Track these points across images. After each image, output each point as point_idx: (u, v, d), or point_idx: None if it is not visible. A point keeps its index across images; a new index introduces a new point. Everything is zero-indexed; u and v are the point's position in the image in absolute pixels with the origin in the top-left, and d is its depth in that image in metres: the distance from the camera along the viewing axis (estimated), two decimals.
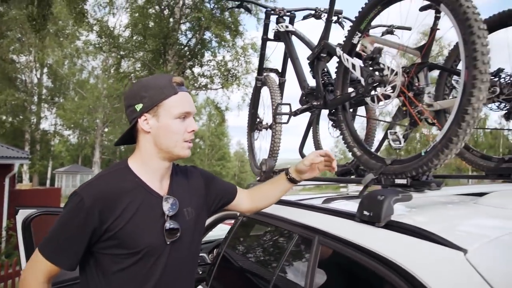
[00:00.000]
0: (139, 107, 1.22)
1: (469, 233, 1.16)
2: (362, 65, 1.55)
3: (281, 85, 2.69)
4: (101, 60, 23.42)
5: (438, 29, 2.05)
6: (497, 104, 1.75)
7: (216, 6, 12.76)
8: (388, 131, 1.64)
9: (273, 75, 2.72)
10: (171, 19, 12.88)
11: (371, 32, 2.05)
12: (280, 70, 2.71)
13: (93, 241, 1.17)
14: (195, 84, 14.50)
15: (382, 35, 2.13)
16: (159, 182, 1.28)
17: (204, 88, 15.12)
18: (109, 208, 1.17)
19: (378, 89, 1.49)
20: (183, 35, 13.49)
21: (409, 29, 2.20)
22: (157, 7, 12.99)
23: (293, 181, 1.47)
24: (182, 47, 13.34)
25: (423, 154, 1.35)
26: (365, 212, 1.26)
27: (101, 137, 25.63)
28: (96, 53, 17.94)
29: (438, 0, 1.30)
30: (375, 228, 1.21)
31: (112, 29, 12.97)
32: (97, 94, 22.90)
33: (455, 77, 2.10)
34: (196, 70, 14.38)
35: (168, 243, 1.23)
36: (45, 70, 25.24)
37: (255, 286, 1.80)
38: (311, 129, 2.73)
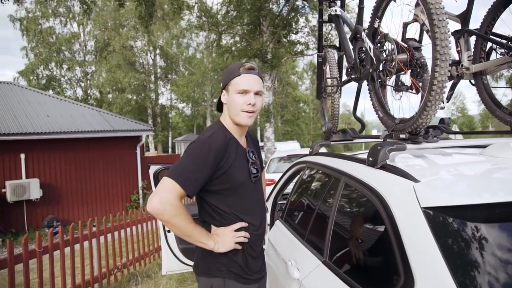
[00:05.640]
0: (221, 85, 1.77)
1: (429, 170, 1.63)
2: (373, 47, 2.00)
3: (340, 59, 3.15)
4: (204, 37, 25.19)
5: None
6: None
7: None
8: None
9: (332, 51, 3.19)
10: None
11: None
12: (338, 46, 3.17)
13: (209, 179, 1.61)
14: (291, 52, 14.93)
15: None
16: (241, 139, 1.78)
17: (300, 55, 15.51)
18: (222, 154, 1.62)
19: (387, 65, 1.94)
20: (275, 5, 13.91)
21: None
22: None
23: None
24: (275, 16, 13.80)
25: (414, 115, 1.80)
26: (370, 158, 1.79)
27: (210, 107, 27.96)
28: (197, 32, 19.45)
29: None
30: (374, 169, 1.74)
31: (210, 8, 13.99)
32: (204, 68, 24.89)
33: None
34: (292, 37, 14.82)
35: (252, 181, 1.77)
36: (158, 51, 28.10)
37: (309, 213, 2.43)
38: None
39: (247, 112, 1.68)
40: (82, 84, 30.21)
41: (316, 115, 41.63)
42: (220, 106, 1.83)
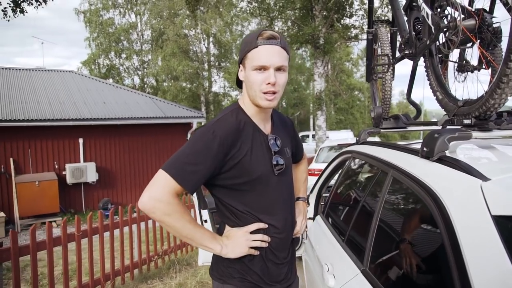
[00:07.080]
0: (238, 59, 1.45)
1: (502, 165, 1.26)
2: (431, 13, 1.63)
3: (393, 35, 2.76)
4: (256, 24, 24.91)
5: None
6: None
7: None
8: None
9: (384, 27, 2.80)
10: None
11: None
12: (391, 20, 2.78)
13: (216, 172, 1.33)
14: (344, 37, 14.26)
15: None
16: (263, 123, 1.46)
17: (354, 40, 14.78)
18: (233, 142, 1.33)
19: (448, 34, 1.57)
20: None
21: None
22: None
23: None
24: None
25: (483, 95, 1.43)
26: (425, 148, 1.45)
27: None
28: (249, 19, 19.15)
29: None
30: (429, 162, 1.40)
31: None
32: None
33: None
34: (346, 21, 14.12)
35: (276, 174, 1.43)
36: (211, 39, 28.30)
37: (351, 211, 2.13)
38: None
39: (266, 93, 1.34)
40: (139, 73, 31.24)
41: (371, 104, 40.03)
42: (239, 83, 1.50)
